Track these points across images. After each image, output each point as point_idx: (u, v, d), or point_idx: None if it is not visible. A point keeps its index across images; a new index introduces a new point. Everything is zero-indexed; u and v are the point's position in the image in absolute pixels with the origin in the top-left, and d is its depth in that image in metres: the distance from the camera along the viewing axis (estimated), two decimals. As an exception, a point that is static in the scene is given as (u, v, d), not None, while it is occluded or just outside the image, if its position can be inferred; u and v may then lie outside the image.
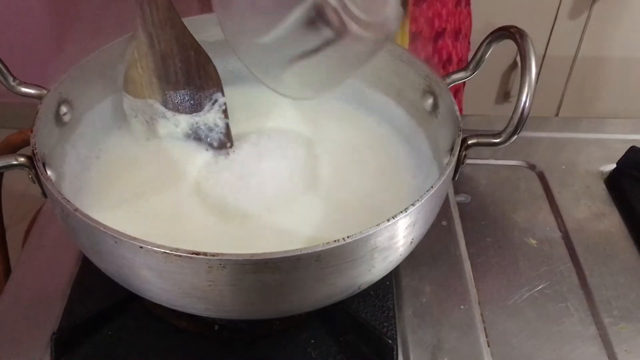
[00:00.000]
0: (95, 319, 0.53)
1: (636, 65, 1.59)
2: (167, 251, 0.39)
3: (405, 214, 0.43)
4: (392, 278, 0.58)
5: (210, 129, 0.61)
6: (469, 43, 0.91)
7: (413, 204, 0.43)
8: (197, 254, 0.39)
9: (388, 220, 0.42)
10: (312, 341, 0.53)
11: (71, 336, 0.52)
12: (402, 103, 0.62)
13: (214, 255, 0.39)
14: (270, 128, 0.66)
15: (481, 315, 0.57)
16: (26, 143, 0.47)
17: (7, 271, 0.89)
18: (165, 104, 0.60)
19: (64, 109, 0.54)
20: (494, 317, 0.57)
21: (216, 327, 0.54)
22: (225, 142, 0.61)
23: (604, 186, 0.71)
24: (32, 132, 0.48)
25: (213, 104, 0.61)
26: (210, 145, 0.61)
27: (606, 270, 0.62)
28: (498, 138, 0.49)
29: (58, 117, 0.54)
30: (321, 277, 0.43)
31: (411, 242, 0.48)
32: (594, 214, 0.68)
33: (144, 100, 0.59)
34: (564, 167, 0.74)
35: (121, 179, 0.59)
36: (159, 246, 0.40)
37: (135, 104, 0.59)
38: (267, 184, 0.58)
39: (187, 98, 0.60)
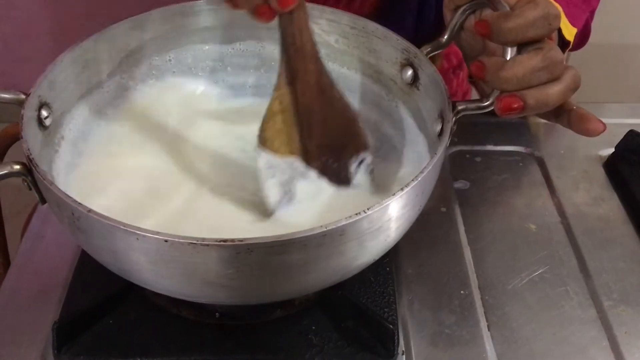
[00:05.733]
0: (96, 308, 0.53)
1: (634, 50, 1.59)
2: (194, 242, 0.39)
3: (416, 181, 0.44)
4: (392, 264, 0.58)
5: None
6: None
7: (426, 167, 0.45)
8: (225, 241, 0.39)
9: (402, 189, 0.43)
10: (313, 327, 0.53)
11: (72, 325, 0.52)
12: (380, 78, 0.61)
13: (241, 241, 0.39)
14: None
15: (481, 300, 0.58)
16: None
17: (7, 263, 0.90)
18: (307, 163, 0.53)
19: (44, 112, 0.52)
20: (494, 302, 0.57)
21: (217, 314, 0.54)
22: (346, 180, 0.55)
23: (602, 170, 0.71)
24: (22, 137, 0.47)
25: (359, 164, 0.55)
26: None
27: (605, 255, 0.62)
28: (486, 101, 0.49)
29: (40, 122, 0.52)
30: (343, 251, 0.43)
31: (419, 209, 0.49)
32: (593, 198, 0.68)
33: (284, 158, 0.53)
34: (562, 152, 0.74)
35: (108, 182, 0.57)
36: (185, 238, 0.39)
37: (274, 162, 0.52)
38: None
39: (331, 158, 0.54)
